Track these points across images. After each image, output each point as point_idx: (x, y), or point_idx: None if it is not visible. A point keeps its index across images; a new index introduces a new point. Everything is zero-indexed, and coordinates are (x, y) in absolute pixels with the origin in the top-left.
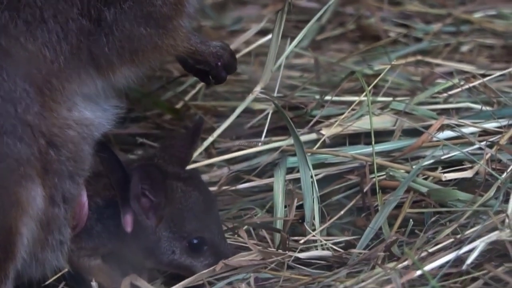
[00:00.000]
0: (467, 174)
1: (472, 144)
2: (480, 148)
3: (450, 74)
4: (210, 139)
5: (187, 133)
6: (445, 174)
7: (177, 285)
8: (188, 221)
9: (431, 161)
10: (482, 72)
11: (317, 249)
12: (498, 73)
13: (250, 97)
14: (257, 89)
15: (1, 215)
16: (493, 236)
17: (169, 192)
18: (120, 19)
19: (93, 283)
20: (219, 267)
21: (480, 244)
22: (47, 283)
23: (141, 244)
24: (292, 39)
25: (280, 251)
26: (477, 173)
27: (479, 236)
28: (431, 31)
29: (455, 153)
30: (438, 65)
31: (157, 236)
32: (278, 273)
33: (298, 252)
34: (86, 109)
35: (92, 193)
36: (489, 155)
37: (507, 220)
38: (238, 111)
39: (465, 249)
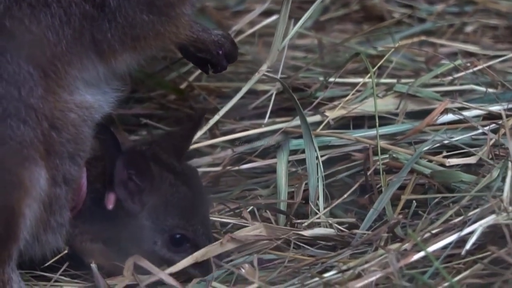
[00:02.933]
0: (471, 160)
1: (476, 128)
2: (483, 133)
3: (454, 55)
4: (216, 117)
5: (188, 123)
6: (449, 160)
7: (183, 260)
8: (171, 216)
9: (437, 145)
10: (486, 53)
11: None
12: (509, 55)
13: (257, 76)
14: (263, 68)
15: (4, 197)
16: (490, 220)
17: (157, 181)
18: (123, 5)
19: (93, 265)
20: (225, 240)
21: (478, 228)
22: (47, 264)
23: (127, 230)
24: (296, 19)
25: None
26: (480, 158)
27: (481, 218)
28: (435, 11)
29: (459, 137)
30: (442, 45)
31: (140, 224)
32: (283, 253)
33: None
34: (87, 92)
35: (94, 178)
36: (493, 140)
37: (503, 204)
38: (244, 90)
39: (467, 231)
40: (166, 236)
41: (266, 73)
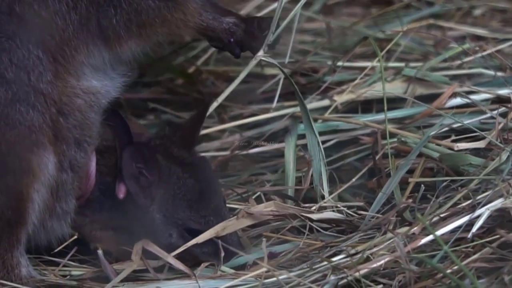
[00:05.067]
0: (479, 144)
1: (484, 112)
2: (492, 117)
3: (462, 38)
4: (215, 104)
5: (193, 115)
6: (458, 144)
7: (204, 234)
8: (181, 209)
9: (445, 129)
10: (494, 36)
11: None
12: None
13: (253, 62)
14: (260, 53)
15: (13, 182)
16: (499, 203)
17: (165, 175)
18: None
19: (99, 251)
20: (241, 215)
21: (485, 212)
22: (57, 250)
23: (141, 223)
24: (305, 4)
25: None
26: (489, 142)
27: (490, 201)
28: None
29: (467, 121)
30: (450, 29)
31: (152, 217)
32: (293, 239)
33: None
34: (93, 78)
35: (105, 167)
36: (502, 124)
37: (511, 188)
38: (241, 76)
39: (476, 214)
40: (181, 228)
41: (263, 59)
